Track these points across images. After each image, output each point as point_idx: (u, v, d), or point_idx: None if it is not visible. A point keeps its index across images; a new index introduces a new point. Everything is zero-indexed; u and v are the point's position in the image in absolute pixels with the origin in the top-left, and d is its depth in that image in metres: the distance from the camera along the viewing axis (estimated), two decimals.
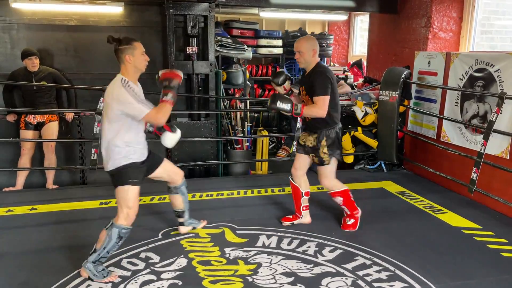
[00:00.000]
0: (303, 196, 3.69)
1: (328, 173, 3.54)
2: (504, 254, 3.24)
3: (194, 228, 3.60)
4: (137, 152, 2.88)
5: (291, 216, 3.79)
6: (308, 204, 3.75)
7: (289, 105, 3.26)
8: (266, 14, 5.93)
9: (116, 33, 5.36)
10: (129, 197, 2.84)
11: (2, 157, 5.10)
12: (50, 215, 3.96)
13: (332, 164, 3.52)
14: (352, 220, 3.66)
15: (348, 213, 3.67)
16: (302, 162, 3.64)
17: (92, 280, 2.80)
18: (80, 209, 4.11)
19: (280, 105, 3.26)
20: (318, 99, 3.26)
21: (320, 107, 3.26)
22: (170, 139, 3.14)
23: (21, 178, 4.90)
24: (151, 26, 5.49)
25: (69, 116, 5.11)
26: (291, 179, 3.72)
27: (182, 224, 3.54)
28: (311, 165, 3.69)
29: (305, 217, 3.77)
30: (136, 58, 2.79)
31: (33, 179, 5.14)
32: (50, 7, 4.99)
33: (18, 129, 4.97)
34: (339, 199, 3.60)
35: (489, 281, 2.87)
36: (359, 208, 3.68)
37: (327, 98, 3.27)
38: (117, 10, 5.09)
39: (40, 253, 3.21)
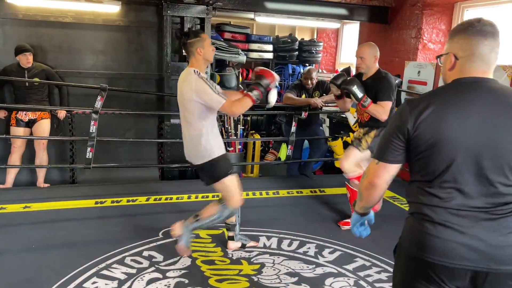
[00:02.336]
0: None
1: (352, 156, 3.59)
2: None
3: (243, 245, 3.35)
4: (221, 143, 2.93)
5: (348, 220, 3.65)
6: None
7: (362, 94, 3.38)
8: (262, 19, 6.00)
9: (112, 32, 5.40)
10: (231, 187, 2.93)
11: None
12: (45, 214, 3.90)
13: (363, 155, 3.56)
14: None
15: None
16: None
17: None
18: (76, 208, 4.06)
19: (356, 89, 3.37)
20: (385, 104, 3.39)
21: (385, 112, 3.38)
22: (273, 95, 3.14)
23: (11, 175, 4.80)
24: (147, 26, 5.47)
25: (61, 114, 5.03)
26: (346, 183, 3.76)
27: (231, 238, 3.30)
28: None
29: None
30: (206, 50, 2.83)
31: (22, 177, 5.05)
32: (46, 3, 4.92)
33: (8, 126, 4.88)
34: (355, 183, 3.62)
35: None
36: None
37: (390, 104, 3.42)
38: (114, 9, 5.06)
39: (41, 251, 3.17)
